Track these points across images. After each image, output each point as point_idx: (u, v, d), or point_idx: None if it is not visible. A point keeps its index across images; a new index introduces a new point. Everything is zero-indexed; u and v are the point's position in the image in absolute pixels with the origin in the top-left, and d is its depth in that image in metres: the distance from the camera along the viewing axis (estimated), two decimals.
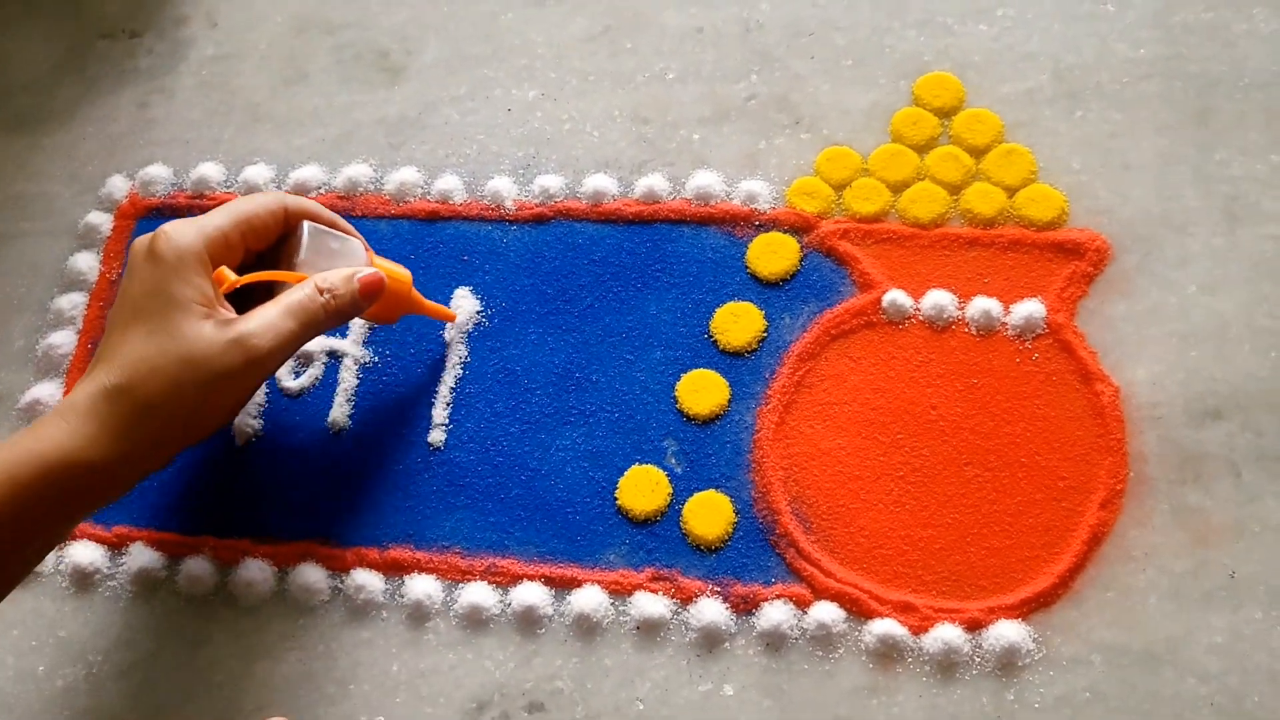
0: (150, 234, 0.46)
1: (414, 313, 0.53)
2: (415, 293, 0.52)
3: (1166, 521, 0.48)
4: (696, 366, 0.53)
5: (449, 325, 0.56)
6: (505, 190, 0.58)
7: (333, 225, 0.50)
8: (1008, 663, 0.46)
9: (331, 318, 0.47)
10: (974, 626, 0.47)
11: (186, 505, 0.54)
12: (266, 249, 0.49)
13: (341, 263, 0.49)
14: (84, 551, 0.53)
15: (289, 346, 0.45)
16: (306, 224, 0.49)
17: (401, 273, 0.52)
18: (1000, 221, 0.54)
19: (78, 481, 0.42)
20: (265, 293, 0.48)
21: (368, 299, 0.48)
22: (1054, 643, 0.46)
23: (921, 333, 0.53)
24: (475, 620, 0.50)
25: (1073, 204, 0.54)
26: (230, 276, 0.46)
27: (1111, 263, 0.52)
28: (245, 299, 0.47)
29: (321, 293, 0.46)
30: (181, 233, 0.45)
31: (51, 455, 0.41)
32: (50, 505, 0.42)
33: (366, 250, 0.50)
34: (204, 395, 0.44)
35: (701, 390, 0.53)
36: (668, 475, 0.51)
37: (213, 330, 0.44)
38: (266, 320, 0.45)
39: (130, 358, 0.43)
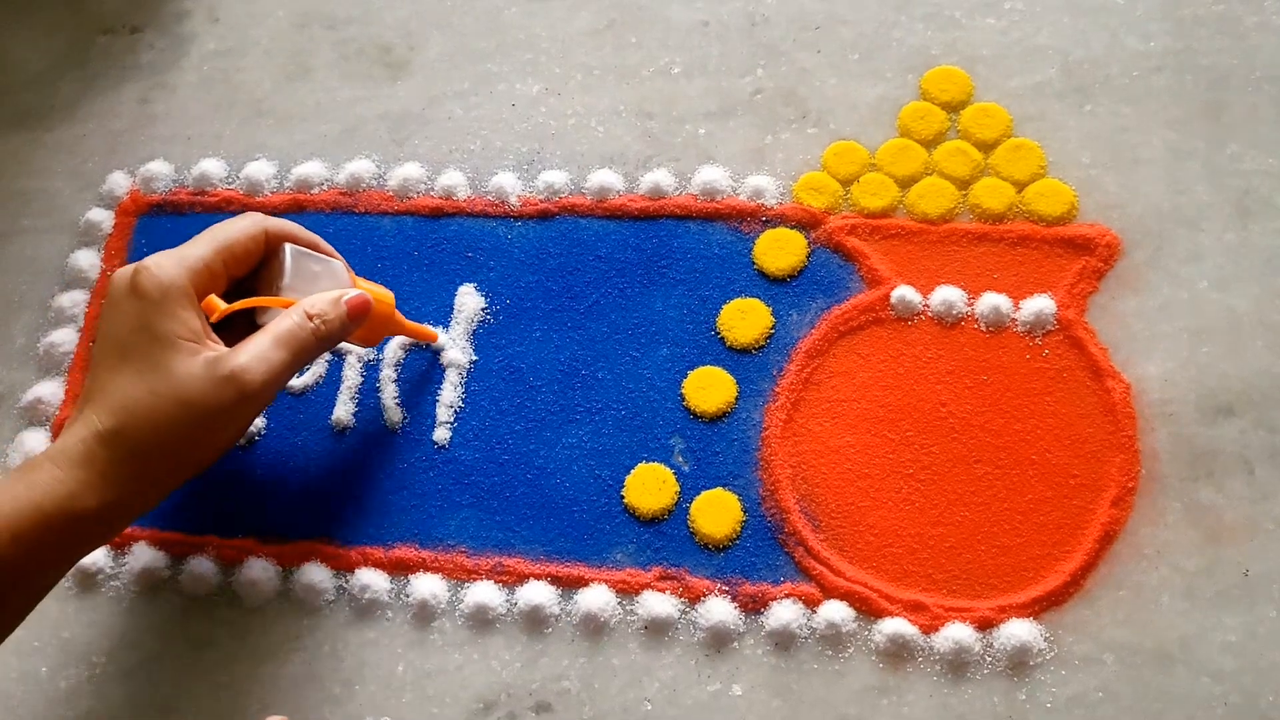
0: (131, 267, 0.44)
1: (397, 334, 0.53)
2: (398, 314, 0.51)
3: (1179, 519, 0.47)
4: (703, 364, 0.53)
5: (452, 322, 0.55)
6: (509, 186, 0.58)
7: (314, 246, 0.49)
8: (1019, 662, 0.46)
9: (322, 343, 0.46)
10: (985, 625, 0.47)
11: (190, 505, 0.53)
12: (247, 274, 0.48)
13: (325, 285, 0.47)
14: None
15: (282, 376, 0.44)
16: (288, 247, 0.47)
17: (384, 294, 0.50)
18: (1009, 217, 0.54)
19: (76, 530, 0.41)
20: (248, 318, 0.47)
21: (356, 321, 0.47)
22: (1066, 642, 0.46)
23: (930, 329, 0.52)
24: (481, 620, 0.49)
25: (1083, 199, 0.53)
26: (220, 305, 0.45)
27: (1122, 258, 0.52)
28: (230, 324, 0.46)
29: (311, 319, 0.45)
30: (164, 266, 0.44)
31: (49, 505, 0.40)
32: (49, 553, 0.41)
33: (348, 271, 0.49)
34: (199, 434, 0.43)
35: (709, 387, 0.52)
36: (675, 473, 0.51)
37: (204, 367, 0.43)
38: (258, 352, 0.44)
39: (121, 400, 0.42)
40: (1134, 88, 0.55)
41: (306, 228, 0.59)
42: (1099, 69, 0.56)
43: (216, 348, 0.44)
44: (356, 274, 0.50)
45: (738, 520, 0.50)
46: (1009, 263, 0.53)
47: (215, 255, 0.45)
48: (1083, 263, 0.52)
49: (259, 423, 0.55)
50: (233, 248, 0.46)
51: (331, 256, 0.49)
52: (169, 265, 0.44)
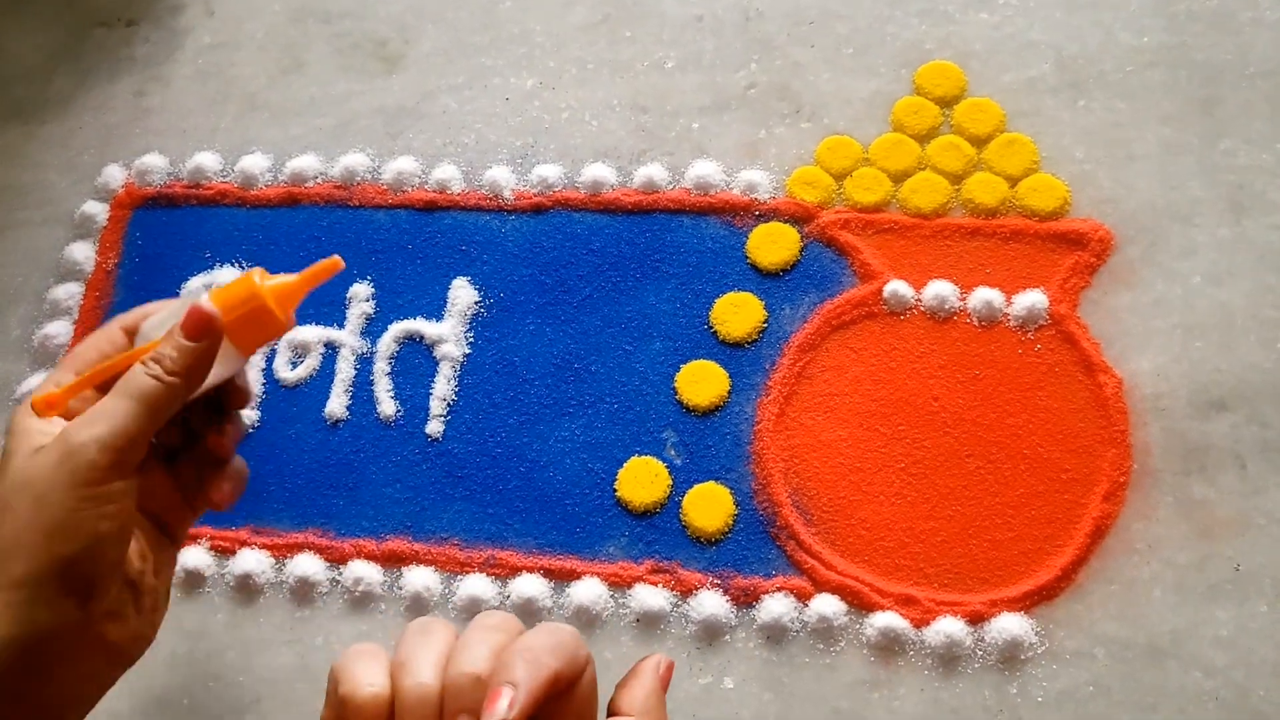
0: None
1: (296, 301, 0.40)
2: (270, 287, 0.40)
3: (1171, 514, 0.47)
4: (696, 357, 0.53)
5: (446, 315, 0.55)
6: (503, 180, 0.58)
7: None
8: (1010, 656, 0.46)
9: (175, 381, 0.39)
10: (976, 619, 0.47)
11: None
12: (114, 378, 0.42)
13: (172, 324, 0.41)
14: None
15: (122, 427, 0.38)
16: (142, 324, 0.42)
17: (237, 288, 0.40)
18: (1002, 211, 0.54)
19: (29, 656, 0.37)
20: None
21: (202, 335, 0.40)
22: (1057, 636, 0.46)
23: (923, 323, 0.52)
24: (474, 612, 0.49)
25: (1076, 194, 0.53)
26: (42, 401, 0.40)
27: (1115, 253, 0.52)
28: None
29: (146, 363, 0.40)
30: (15, 409, 0.40)
31: None
32: (21, 688, 0.37)
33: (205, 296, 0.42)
34: (41, 509, 0.37)
35: (701, 381, 0.52)
36: (667, 467, 0.51)
37: (39, 448, 0.38)
38: (91, 409, 0.39)
39: None
40: (1128, 83, 0.55)
41: (301, 221, 0.59)
42: (1093, 64, 0.56)
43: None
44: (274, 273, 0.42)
45: (730, 514, 0.50)
46: (1001, 258, 0.53)
47: (63, 373, 0.41)
48: (1075, 258, 0.52)
49: (253, 415, 0.55)
50: (82, 356, 0.42)
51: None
52: (18, 406, 0.41)
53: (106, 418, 0.38)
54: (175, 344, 0.40)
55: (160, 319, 0.41)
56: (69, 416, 0.40)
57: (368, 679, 0.32)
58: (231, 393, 0.43)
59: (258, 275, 0.40)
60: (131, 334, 0.42)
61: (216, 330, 0.41)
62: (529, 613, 0.49)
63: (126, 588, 0.40)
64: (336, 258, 0.40)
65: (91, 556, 0.39)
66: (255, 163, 0.61)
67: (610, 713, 0.33)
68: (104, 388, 0.40)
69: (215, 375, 0.40)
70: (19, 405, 0.41)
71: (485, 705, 0.30)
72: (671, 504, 0.50)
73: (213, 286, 0.45)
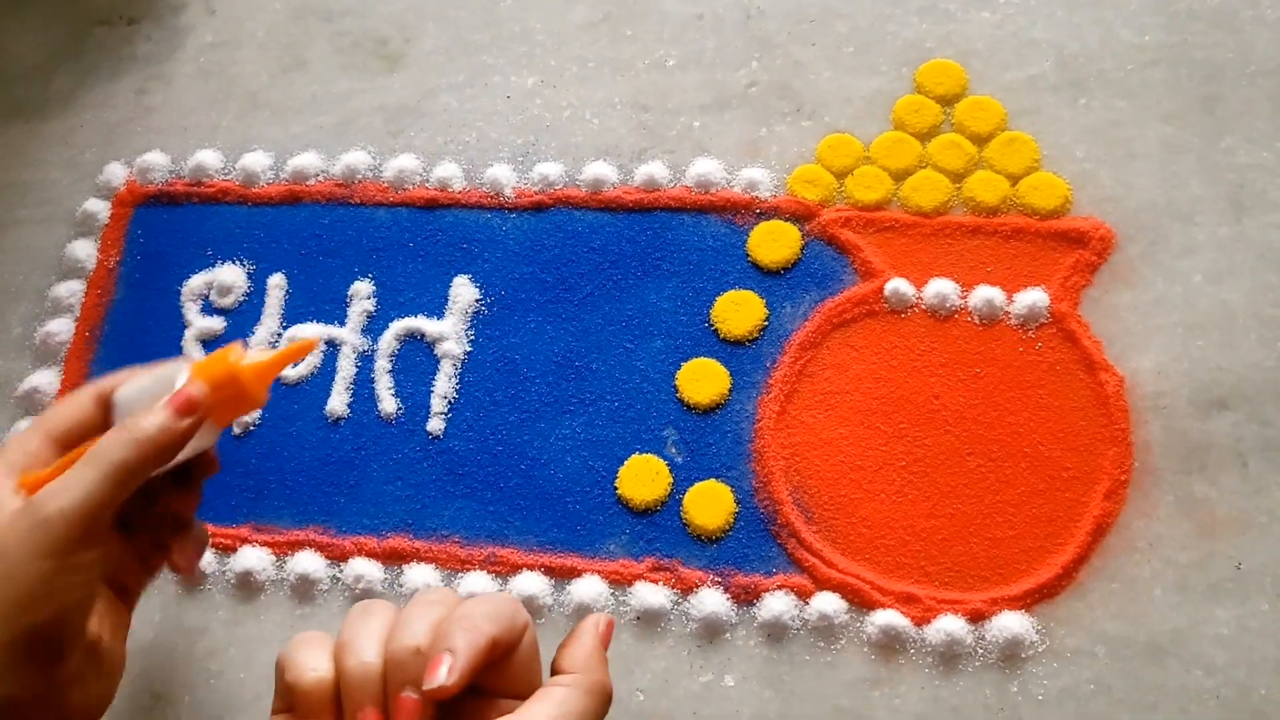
0: None
1: (270, 380, 0.41)
2: (247, 368, 0.40)
3: (1172, 512, 0.47)
4: (697, 355, 0.53)
5: (447, 313, 0.55)
6: (504, 178, 0.58)
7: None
8: (1011, 654, 0.46)
9: (147, 453, 0.39)
10: (977, 618, 0.47)
11: None
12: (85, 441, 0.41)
13: (157, 393, 0.40)
14: None
15: (92, 496, 0.38)
16: (117, 391, 0.42)
17: (216, 370, 0.40)
18: (1003, 210, 0.54)
19: None
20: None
21: (187, 415, 0.40)
22: (1058, 634, 0.46)
23: (924, 322, 0.52)
24: None
25: (1077, 192, 0.53)
26: (32, 476, 0.39)
27: (1116, 252, 0.52)
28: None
29: (123, 430, 0.39)
30: None
31: None
32: None
33: (188, 363, 0.41)
34: (4, 577, 0.37)
35: (702, 379, 0.52)
36: (668, 464, 0.51)
37: (2, 513, 0.38)
38: (62, 478, 0.38)
39: None
40: (1129, 81, 0.55)
41: (302, 219, 0.59)
42: (1094, 63, 0.56)
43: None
44: (288, 347, 0.42)
45: (730, 512, 0.50)
46: (1003, 256, 0.53)
47: (31, 435, 0.41)
48: (1076, 256, 0.52)
49: (254, 413, 0.55)
50: (52, 420, 0.41)
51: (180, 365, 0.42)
52: None
53: (78, 488, 0.37)
54: (159, 421, 0.39)
55: (138, 387, 0.41)
56: (32, 485, 0.38)
57: (310, 664, 0.32)
58: (201, 464, 0.43)
59: (235, 353, 0.40)
60: (104, 402, 0.41)
61: (200, 412, 0.40)
62: (530, 610, 0.49)
63: (87, 653, 0.39)
64: (312, 340, 0.43)
65: (60, 625, 0.38)
66: (256, 160, 0.61)
67: (553, 672, 0.33)
68: (67, 446, 0.40)
69: (190, 449, 0.40)
70: None
71: (426, 674, 0.30)
72: (672, 502, 0.50)
73: (190, 360, 0.44)
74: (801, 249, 0.54)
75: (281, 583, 0.51)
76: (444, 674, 0.30)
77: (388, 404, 0.54)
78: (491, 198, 0.58)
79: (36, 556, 0.37)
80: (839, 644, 0.47)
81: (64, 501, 0.37)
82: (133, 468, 0.39)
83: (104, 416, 0.41)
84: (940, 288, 0.52)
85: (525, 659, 0.33)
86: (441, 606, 0.33)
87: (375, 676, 0.31)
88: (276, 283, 0.58)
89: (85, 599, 0.39)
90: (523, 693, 0.32)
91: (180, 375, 0.41)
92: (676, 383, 0.52)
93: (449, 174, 0.59)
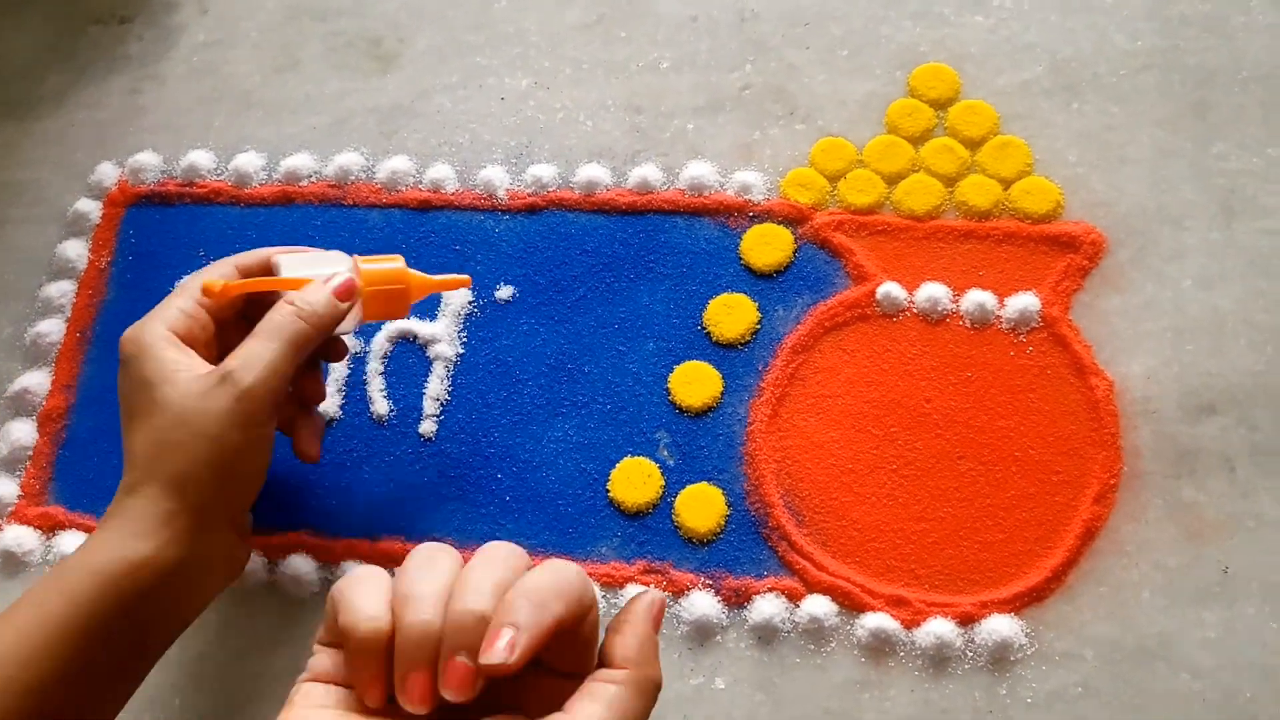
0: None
1: (422, 297, 0.49)
2: (414, 276, 0.47)
3: (1160, 516, 0.47)
4: (689, 358, 0.53)
5: (440, 315, 0.55)
6: (497, 180, 0.58)
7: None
8: (1000, 657, 0.46)
9: (315, 328, 0.44)
10: (966, 620, 0.47)
11: None
12: (239, 316, 0.48)
13: (322, 264, 0.46)
14: (75, 544, 0.53)
15: (279, 369, 0.43)
16: (275, 256, 0.47)
17: (389, 268, 0.47)
18: (995, 214, 0.54)
19: (137, 581, 0.41)
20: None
21: (347, 300, 0.46)
22: (1046, 637, 0.46)
23: (916, 325, 0.52)
24: None
25: (1069, 197, 0.54)
26: (218, 286, 0.45)
27: (1107, 256, 0.52)
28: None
29: (293, 304, 0.44)
30: (138, 326, 0.45)
31: (98, 563, 0.40)
32: (125, 611, 0.40)
33: (352, 258, 0.47)
34: (217, 452, 0.42)
35: (694, 382, 0.52)
36: (660, 467, 0.51)
37: (196, 384, 0.42)
38: (246, 351, 0.43)
39: (139, 449, 0.42)
40: (1121, 86, 0.56)
41: (295, 220, 0.59)
42: (1087, 67, 0.56)
43: (208, 367, 0.44)
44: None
45: (722, 515, 0.50)
46: (994, 260, 0.53)
47: (186, 299, 0.46)
48: (1068, 261, 0.52)
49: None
50: (242, 259, 0.47)
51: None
52: (141, 323, 0.45)
53: (265, 361, 0.42)
54: (324, 299, 0.45)
55: (300, 260, 0.47)
56: (218, 311, 0.46)
57: (369, 610, 0.32)
58: (333, 346, 0.50)
59: (402, 261, 0.47)
60: (253, 272, 0.47)
61: (356, 296, 0.46)
62: None
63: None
64: (466, 278, 0.49)
65: (252, 490, 0.45)
66: (249, 161, 0.61)
67: (602, 660, 0.32)
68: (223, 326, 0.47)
69: (337, 329, 0.46)
70: (145, 324, 0.44)
71: (484, 644, 0.30)
72: (664, 504, 0.50)
73: (353, 256, 0.47)
74: (794, 252, 0.54)
75: (273, 586, 0.51)
76: (504, 650, 0.29)
77: (380, 406, 0.54)
78: (485, 200, 0.58)
79: (240, 428, 0.42)
80: (829, 647, 0.47)
81: (258, 373, 0.42)
82: (308, 339, 0.44)
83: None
84: (932, 291, 0.52)
85: (586, 638, 0.32)
86: (508, 568, 0.32)
87: (435, 638, 0.30)
88: None
89: (268, 464, 0.45)
90: (574, 670, 0.32)
91: (343, 263, 0.47)
92: (669, 385, 0.53)
93: (442, 175, 0.59)
